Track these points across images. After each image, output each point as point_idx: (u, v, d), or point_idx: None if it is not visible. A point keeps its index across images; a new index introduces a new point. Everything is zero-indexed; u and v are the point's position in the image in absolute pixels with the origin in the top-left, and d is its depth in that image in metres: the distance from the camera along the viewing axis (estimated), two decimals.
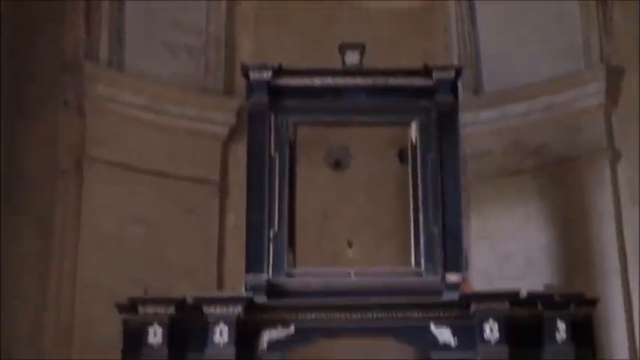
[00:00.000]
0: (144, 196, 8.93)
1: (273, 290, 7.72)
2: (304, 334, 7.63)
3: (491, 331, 7.44)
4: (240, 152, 8.54)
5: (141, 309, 7.49)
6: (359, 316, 7.63)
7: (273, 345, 7.58)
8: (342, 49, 8.23)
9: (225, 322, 7.46)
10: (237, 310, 7.48)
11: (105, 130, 9.03)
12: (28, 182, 8.57)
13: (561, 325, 7.46)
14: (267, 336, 7.59)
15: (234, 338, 7.43)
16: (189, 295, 7.55)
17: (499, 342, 7.41)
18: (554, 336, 7.45)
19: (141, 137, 9.13)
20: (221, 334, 7.44)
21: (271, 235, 7.87)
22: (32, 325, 8.25)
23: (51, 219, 8.56)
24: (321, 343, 7.77)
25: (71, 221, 8.61)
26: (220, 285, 8.78)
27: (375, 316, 7.64)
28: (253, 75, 8.07)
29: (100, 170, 8.83)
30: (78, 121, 8.94)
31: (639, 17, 8.47)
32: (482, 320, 7.46)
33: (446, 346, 7.57)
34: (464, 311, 7.54)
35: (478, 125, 9.41)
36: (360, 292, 7.71)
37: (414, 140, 8.13)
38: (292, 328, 7.63)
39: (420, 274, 7.82)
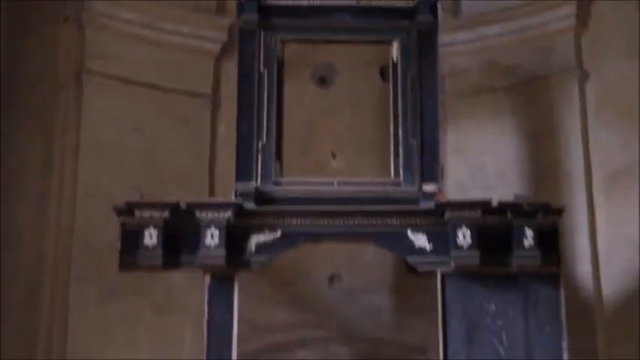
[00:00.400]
0: (140, 108, 8.87)
1: (261, 197, 7.66)
2: (290, 239, 7.58)
3: (464, 237, 7.41)
4: (231, 68, 8.45)
5: (137, 213, 7.43)
6: (341, 222, 7.60)
7: (261, 248, 7.54)
8: None
9: (216, 226, 7.41)
10: (228, 215, 7.43)
11: (103, 45, 8.93)
12: (29, 95, 8.52)
13: (529, 232, 7.43)
14: (255, 239, 7.56)
15: (224, 241, 7.38)
16: (183, 200, 7.48)
17: (471, 247, 7.39)
18: (522, 242, 7.42)
19: (137, 52, 9.03)
20: (212, 237, 7.39)
21: (259, 146, 7.80)
22: (34, 227, 8.26)
23: (52, 128, 8.53)
24: (305, 247, 7.76)
25: (71, 130, 8.56)
26: (212, 191, 8.76)
27: (356, 222, 7.60)
28: None
29: (99, 83, 8.75)
30: (77, 37, 8.86)
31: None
32: (456, 227, 7.42)
33: (421, 251, 7.56)
34: (439, 219, 7.49)
35: (456, 46, 9.33)
36: (343, 200, 7.67)
37: (395, 59, 8.01)
38: (278, 233, 7.59)
39: (398, 184, 7.77)
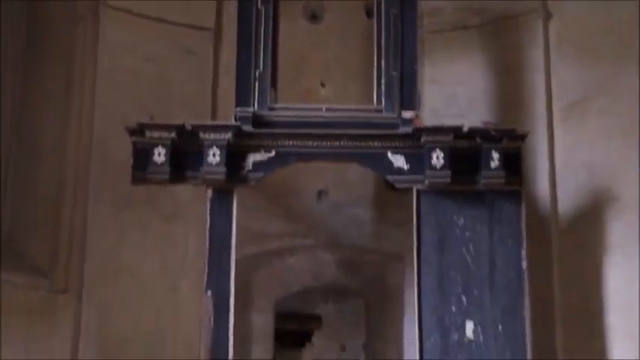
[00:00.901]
0: (152, 39, 8.76)
1: (258, 121, 7.63)
2: (282, 158, 7.60)
3: (437, 158, 7.40)
4: (232, 5, 8.34)
5: (148, 133, 7.42)
6: (328, 144, 7.59)
7: (257, 166, 7.56)
8: None
9: (218, 146, 7.39)
10: (228, 136, 7.41)
11: None
12: (51, 25, 8.43)
13: (495, 155, 7.43)
14: (252, 158, 7.56)
15: (224, 159, 7.39)
16: (188, 122, 7.47)
17: (443, 167, 7.39)
18: (489, 163, 7.43)
19: None
20: (214, 155, 7.38)
21: (257, 75, 7.73)
22: (56, 144, 8.24)
23: (72, 56, 8.40)
24: (296, 166, 7.77)
25: (89, 58, 8.43)
26: (214, 115, 8.72)
27: (341, 144, 7.59)
28: None
29: (113, 16, 8.59)
30: None
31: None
32: (431, 150, 7.42)
33: (399, 170, 7.57)
34: (415, 142, 7.49)
35: None
36: (330, 124, 7.65)
37: None
38: (273, 153, 7.58)
39: (380, 111, 7.73)
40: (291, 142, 7.62)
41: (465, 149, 7.50)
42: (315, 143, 7.61)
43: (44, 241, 8.05)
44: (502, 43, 8.97)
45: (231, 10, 8.48)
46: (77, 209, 8.13)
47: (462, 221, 7.55)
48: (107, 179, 8.10)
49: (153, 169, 7.42)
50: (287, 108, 7.83)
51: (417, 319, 7.38)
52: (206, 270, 7.37)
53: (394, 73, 7.76)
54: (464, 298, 7.40)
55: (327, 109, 7.80)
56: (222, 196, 7.52)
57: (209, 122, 7.97)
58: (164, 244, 8.31)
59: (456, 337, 7.33)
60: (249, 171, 7.57)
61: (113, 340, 7.93)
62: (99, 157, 8.18)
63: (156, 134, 7.43)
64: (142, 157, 7.46)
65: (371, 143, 7.61)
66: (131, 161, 7.50)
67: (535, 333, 7.41)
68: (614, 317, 7.90)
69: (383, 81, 7.79)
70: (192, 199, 7.95)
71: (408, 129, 7.55)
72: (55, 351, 7.74)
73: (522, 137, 7.60)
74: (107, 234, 8.14)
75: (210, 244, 7.42)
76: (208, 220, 7.48)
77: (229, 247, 7.42)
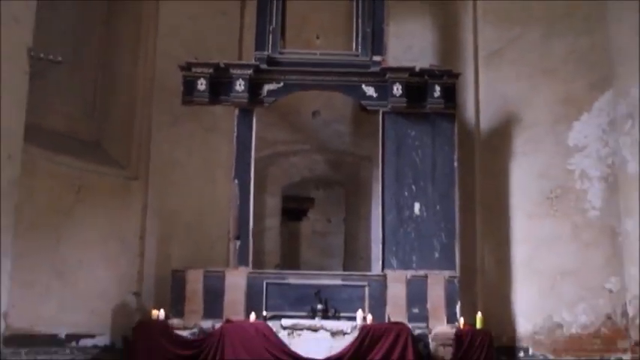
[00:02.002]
0: (195, 3, 8.41)
1: (271, 61, 7.69)
2: (288, 87, 7.68)
3: (397, 89, 7.51)
4: None
5: (193, 69, 7.52)
6: (321, 78, 7.67)
7: (270, 93, 7.64)
8: None
9: (242, 79, 7.48)
10: (250, 72, 7.50)
11: None
12: None
13: (437, 88, 7.54)
14: (267, 88, 7.64)
15: (247, 88, 7.47)
16: (222, 62, 7.54)
17: (401, 96, 7.51)
18: (433, 94, 7.53)
19: None
20: (240, 85, 7.48)
21: (271, 29, 7.78)
22: (130, 75, 8.14)
23: (140, 15, 8.20)
24: (299, 93, 7.82)
25: (153, 16, 8.21)
26: (240, 57, 8.52)
27: (331, 79, 7.67)
28: None
29: None
30: None
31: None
32: (392, 83, 7.52)
33: (370, 98, 7.66)
34: (382, 78, 7.59)
35: None
36: (323, 64, 7.69)
37: None
38: (281, 84, 7.67)
39: (357, 56, 7.80)
40: (294, 77, 7.71)
41: (417, 83, 7.60)
42: (312, 77, 7.69)
43: (122, 144, 8.02)
44: (445, 11, 8.83)
45: None
46: (144, 122, 8.07)
47: (413, 134, 7.65)
48: (165, 101, 8.01)
49: (197, 95, 7.52)
50: (292, 52, 7.89)
51: (380, 202, 7.55)
52: (234, 165, 7.52)
53: (368, 29, 7.84)
54: (413, 187, 7.56)
55: (321, 54, 7.87)
56: (245, 114, 7.61)
57: (236, 62, 7.97)
58: (205, 147, 8.23)
59: (407, 213, 7.49)
60: (264, 97, 7.66)
61: (168, 213, 7.93)
62: (160, 86, 8.09)
63: (199, 70, 7.53)
64: (189, 86, 7.55)
65: (351, 78, 7.70)
66: (182, 89, 7.57)
67: (461, 210, 7.61)
68: (516, 199, 8.03)
69: (360, 35, 7.86)
70: (225, 116, 7.91)
71: (377, 68, 7.66)
72: (130, 220, 7.79)
73: (456, 76, 7.70)
74: (165, 139, 8.10)
75: (236, 148, 7.55)
76: (235, 130, 7.60)
77: (250, 150, 7.55)
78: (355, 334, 6.74)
